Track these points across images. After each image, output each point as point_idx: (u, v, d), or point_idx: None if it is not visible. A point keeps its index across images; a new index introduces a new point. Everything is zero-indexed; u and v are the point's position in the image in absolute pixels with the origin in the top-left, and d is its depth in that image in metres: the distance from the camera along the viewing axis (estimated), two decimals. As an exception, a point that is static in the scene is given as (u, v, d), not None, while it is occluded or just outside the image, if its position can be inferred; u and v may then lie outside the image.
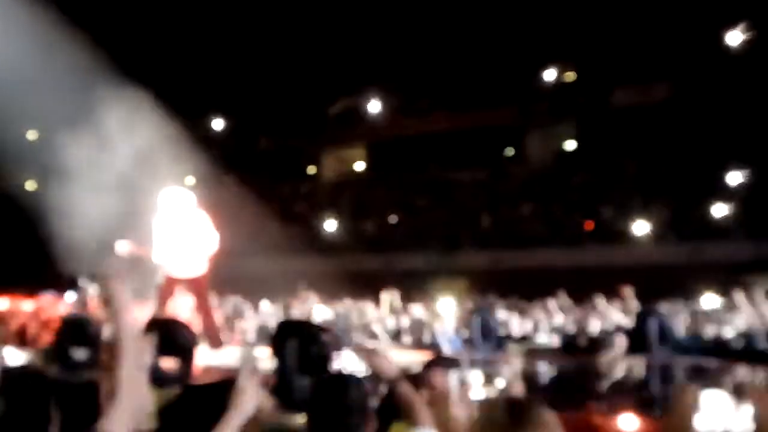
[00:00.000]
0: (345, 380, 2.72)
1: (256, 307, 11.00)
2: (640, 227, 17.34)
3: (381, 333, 9.71)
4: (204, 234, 7.33)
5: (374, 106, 22.75)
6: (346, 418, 2.61)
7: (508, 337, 9.11)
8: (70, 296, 10.22)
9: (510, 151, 23.00)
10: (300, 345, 3.27)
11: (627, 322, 8.43)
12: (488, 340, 8.63)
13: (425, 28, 19.31)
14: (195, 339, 3.43)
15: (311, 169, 25.69)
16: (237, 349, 7.27)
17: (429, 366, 3.51)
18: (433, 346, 8.55)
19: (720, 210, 16.90)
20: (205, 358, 5.45)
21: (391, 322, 10.14)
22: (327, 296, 11.38)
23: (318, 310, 10.28)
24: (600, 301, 9.40)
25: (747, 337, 8.07)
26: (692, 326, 8.62)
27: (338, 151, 25.48)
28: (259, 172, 23.16)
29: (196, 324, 6.98)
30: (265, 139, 25.40)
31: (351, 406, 2.62)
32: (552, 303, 10.15)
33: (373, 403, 2.85)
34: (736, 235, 16.45)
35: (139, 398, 2.16)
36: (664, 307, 8.91)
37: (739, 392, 3.47)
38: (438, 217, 20.84)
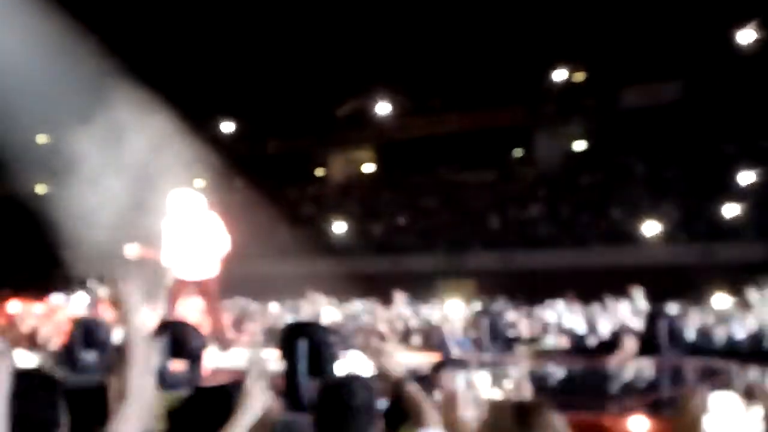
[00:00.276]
0: (352, 382, 2.73)
1: (264, 309, 11.02)
2: (650, 228, 17.26)
3: (389, 334, 9.70)
4: (215, 236, 7.34)
5: (382, 108, 22.75)
6: (353, 420, 2.61)
7: (517, 339, 9.06)
8: (80, 299, 10.27)
9: (518, 152, 22.95)
10: (308, 347, 3.28)
11: (637, 323, 8.39)
12: (497, 341, 8.58)
13: (433, 28, 19.31)
14: (204, 342, 3.46)
15: (319, 171, 25.72)
16: (245, 351, 7.28)
17: (437, 368, 3.51)
18: (442, 348, 8.53)
19: (731, 210, 16.80)
20: (213, 361, 5.46)
21: (399, 324, 10.12)
22: (335, 298, 11.39)
23: (326, 312, 10.28)
24: (610, 302, 9.37)
25: (758, 338, 8.03)
26: (703, 327, 8.58)
27: (346, 153, 25.48)
28: (267, 175, 23.20)
29: (205, 326, 6.99)
30: (274, 141, 25.44)
31: (358, 409, 2.62)
32: (561, 304, 10.11)
33: (381, 404, 2.85)
34: (747, 235, 16.36)
35: (148, 401, 2.17)
36: (675, 308, 8.87)
37: (750, 394, 3.45)
38: (446, 218, 20.82)
